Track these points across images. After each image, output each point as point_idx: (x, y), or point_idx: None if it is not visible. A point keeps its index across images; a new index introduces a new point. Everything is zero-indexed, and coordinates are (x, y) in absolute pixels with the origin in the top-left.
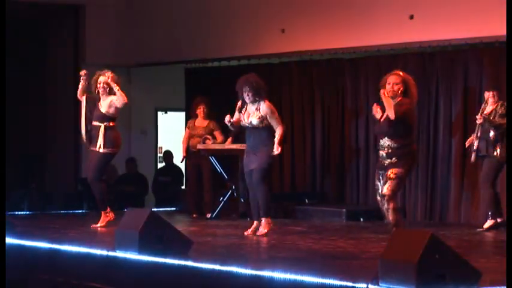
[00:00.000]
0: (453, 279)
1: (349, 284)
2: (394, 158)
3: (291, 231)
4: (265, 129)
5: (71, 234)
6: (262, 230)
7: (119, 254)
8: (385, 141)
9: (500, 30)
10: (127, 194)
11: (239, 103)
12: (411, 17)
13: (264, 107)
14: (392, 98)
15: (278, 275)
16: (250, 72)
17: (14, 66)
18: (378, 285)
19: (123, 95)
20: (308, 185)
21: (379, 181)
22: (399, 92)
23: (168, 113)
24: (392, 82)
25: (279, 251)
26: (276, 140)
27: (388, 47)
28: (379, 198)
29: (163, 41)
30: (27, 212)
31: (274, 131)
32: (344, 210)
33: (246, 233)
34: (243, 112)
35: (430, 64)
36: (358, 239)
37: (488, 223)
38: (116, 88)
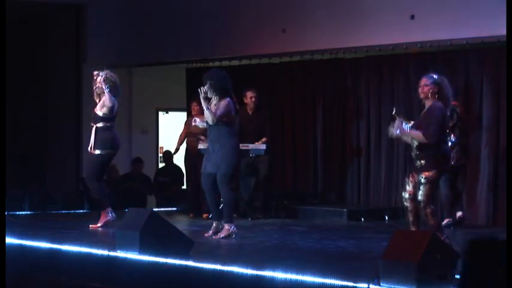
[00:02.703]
0: (454, 279)
1: (350, 284)
2: (423, 160)
3: (292, 231)
4: (222, 127)
5: (71, 234)
6: (221, 233)
7: (120, 254)
8: (413, 141)
9: (501, 30)
10: (132, 191)
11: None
12: (412, 17)
13: (221, 104)
14: (424, 100)
15: (279, 275)
16: (219, 69)
17: (14, 66)
18: (379, 285)
19: (109, 97)
20: (309, 184)
21: (408, 178)
22: (430, 94)
23: (169, 113)
24: (422, 84)
25: (280, 251)
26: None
27: (389, 47)
28: (403, 194)
29: (165, 41)
30: (28, 212)
31: (233, 130)
32: (345, 210)
33: (206, 235)
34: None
35: (431, 64)
36: (359, 239)
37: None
38: (106, 89)
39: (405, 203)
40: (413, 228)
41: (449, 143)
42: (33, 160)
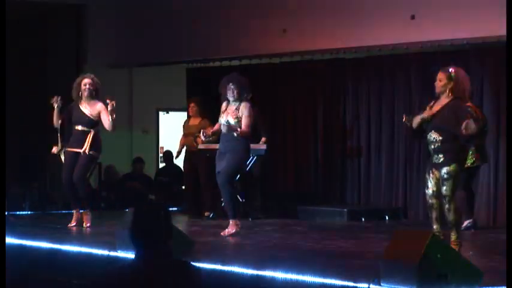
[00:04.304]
0: (454, 278)
1: (351, 284)
2: (440, 155)
3: (292, 231)
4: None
5: (71, 234)
6: (230, 230)
7: (120, 254)
8: (430, 135)
9: (501, 30)
10: (132, 191)
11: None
12: (412, 17)
13: (243, 107)
14: (440, 94)
15: (279, 274)
16: (233, 72)
17: (14, 66)
18: (379, 285)
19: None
20: (310, 185)
21: (429, 175)
22: (446, 89)
23: (170, 113)
24: (437, 78)
25: (280, 250)
26: (234, 125)
27: (389, 47)
28: (426, 191)
29: (165, 41)
30: (28, 212)
31: (248, 135)
32: (345, 210)
33: (222, 234)
34: (222, 111)
35: (432, 64)
36: (360, 238)
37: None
38: (111, 116)
39: (429, 200)
40: (435, 225)
41: None
42: (33, 160)
